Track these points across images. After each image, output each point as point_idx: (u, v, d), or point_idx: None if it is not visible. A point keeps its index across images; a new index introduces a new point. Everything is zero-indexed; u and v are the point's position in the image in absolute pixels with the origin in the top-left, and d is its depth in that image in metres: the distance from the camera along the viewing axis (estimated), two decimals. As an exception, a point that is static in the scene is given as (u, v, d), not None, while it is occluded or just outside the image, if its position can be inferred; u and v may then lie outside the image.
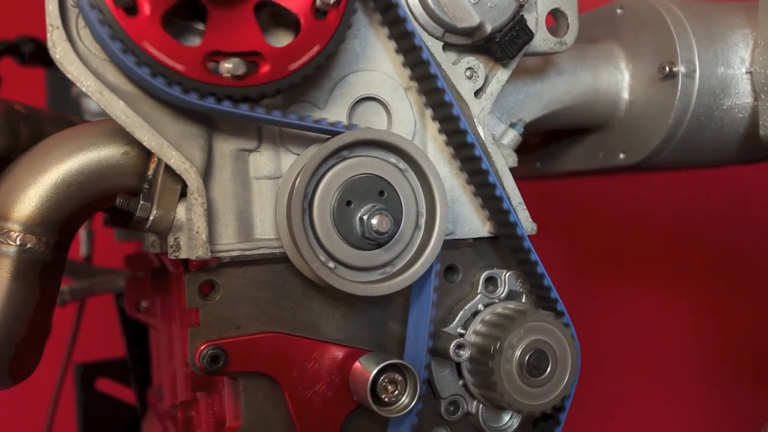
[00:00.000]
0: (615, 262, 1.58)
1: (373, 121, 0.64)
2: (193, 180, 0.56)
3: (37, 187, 0.58)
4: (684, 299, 1.57)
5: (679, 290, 1.57)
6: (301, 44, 0.56)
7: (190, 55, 0.53)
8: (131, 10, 0.52)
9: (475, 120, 0.66)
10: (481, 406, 0.68)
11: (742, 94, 0.78)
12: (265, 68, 0.55)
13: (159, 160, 0.58)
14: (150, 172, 0.59)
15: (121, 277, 1.09)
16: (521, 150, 0.77)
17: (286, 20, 0.58)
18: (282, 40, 0.58)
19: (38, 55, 0.96)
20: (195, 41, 0.57)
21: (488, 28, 0.63)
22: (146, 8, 0.52)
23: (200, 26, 0.57)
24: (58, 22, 0.53)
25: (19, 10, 1.01)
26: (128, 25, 0.52)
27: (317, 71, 0.57)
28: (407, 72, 0.63)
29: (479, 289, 0.67)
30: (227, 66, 0.54)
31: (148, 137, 0.55)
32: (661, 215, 1.56)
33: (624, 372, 1.56)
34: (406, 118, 0.64)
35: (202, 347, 0.59)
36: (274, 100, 0.59)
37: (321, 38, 0.56)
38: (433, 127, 0.65)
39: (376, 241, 0.58)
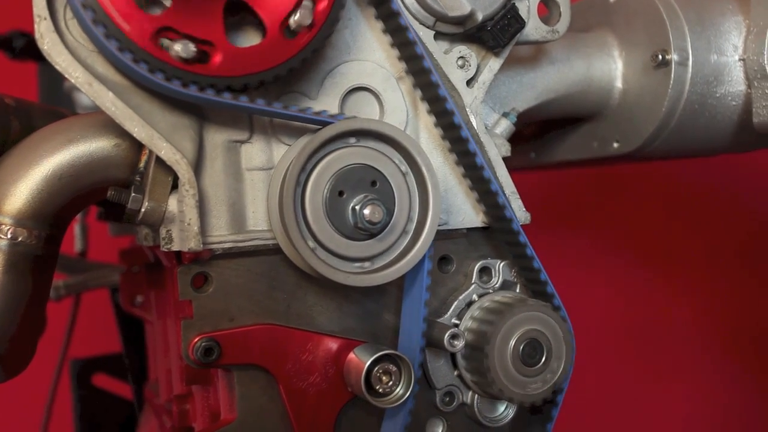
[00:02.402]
0: (613, 251, 1.58)
1: (365, 111, 0.64)
2: (184, 171, 0.56)
3: (28, 180, 0.57)
4: (683, 288, 1.57)
5: (679, 279, 1.57)
6: (260, 53, 0.55)
7: (144, 21, 0.52)
8: None
9: (467, 109, 0.66)
10: (476, 396, 0.67)
11: (735, 82, 0.78)
12: (216, 60, 0.54)
13: (150, 151, 0.58)
14: (141, 164, 0.59)
15: (116, 272, 1.08)
16: (515, 141, 0.77)
17: (259, 26, 0.58)
18: (251, 42, 0.58)
19: (30, 49, 0.96)
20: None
21: (479, 17, 0.63)
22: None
23: (169, 3, 0.56)
24: (45, 12, 0.53)
25: (10, 3, 1.00)
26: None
27: (309, 60, 0.57)
28: (400, 62, 0.63)
29: (473, 279, 0.67)
30: (176, 46, 0.53)
31: (138, 129, 0.55)
32: (659, 204, 1.57)
33: (621, 361, 1.56)
34: (398, 108, 0.64)
35: (196, 339, 0.59)
36: (264, 89, 0.59)
37: (282, 55, 0.55)
38: (426, 116, 0.65)
39: (369, 231, 0.58)
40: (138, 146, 0.59)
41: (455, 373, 0.67)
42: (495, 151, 0.66)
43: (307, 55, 0.56)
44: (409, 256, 0.59)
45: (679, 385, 1.57)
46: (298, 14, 0.55)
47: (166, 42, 0.53)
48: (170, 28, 0.53)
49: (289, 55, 0.56)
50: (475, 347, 0.64)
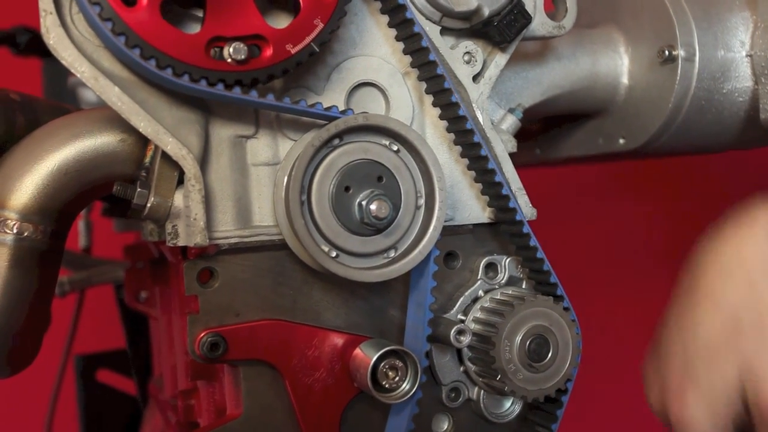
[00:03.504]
0: (619, 247, 1.58)
1: (371, 107, 0.63)
2: (190, 166, 0.56)
3: (34, 175, 0.57)
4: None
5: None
6: (303, 23, 0.55)
7: (192, 43, 0.53)
8: (129, 1, 0.52)
9: (473, 105, 0.65)
10: (482, 392, 0.67)
11: (743, 78, 0.77)
12: (268, 51, 0.55)
13: (156, 147, 0.58)
14: (147, 159, 0.59)
15: (121, 268, 1.08)
16: (521, 137, 0.76)
17: (282, 1, 0.58)
18: (281, 22, 0.58)
19: (34, 45, 0.95)
20: (195, 28, 0.56)
21: (486, 12, 0.63)
22: (144, -1, 0.52)
23: (199, 12, 0.57)
24: (51, 7, 0.53)
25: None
26: (128, 17, 0.51)
27: (317, 54, 0.57)
28: (406, 58, 0.63)
29: (479, 275, 0.67)
30: (229, 51, 0.53)
31: (144, 123, 0.55)
32: (665, 200, 1.56)
33: (627, 357, 1.56)
34: (404, 104, 0.64)
35: (202, 334, 0.59)
36: (271, 84, 0.59)
37: (322, 15, 0.56)
38: (432, 112, 0.65)
39: (375, 226, 0.58)
40: (143, 141, 0.59)
41: (461, 368, 0.67)
42: (501, 146, 0.66)
43: (342, 12, 0.57)
44: (416, 251, 0.59)
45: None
46: None
47: (214, 51, 0.54)
48: (216, 37, 0.54)
49: (329, 14, 0.56)
50: (482, 343, 0.64)
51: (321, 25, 0.56)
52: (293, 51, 0.55)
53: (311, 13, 0.55)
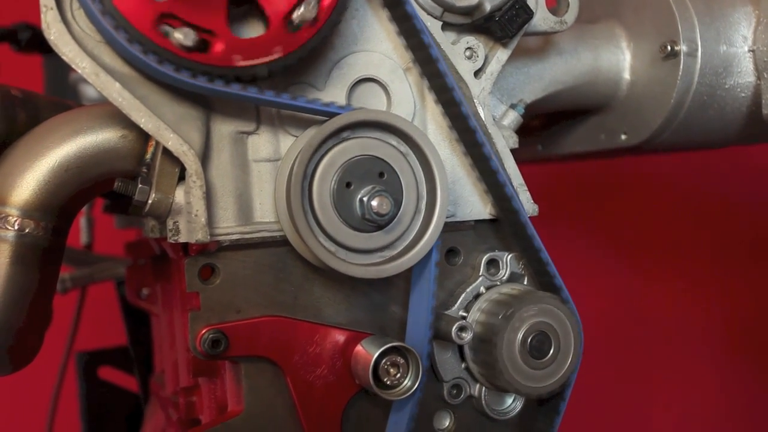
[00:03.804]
0: (619, 245, 1.58)
1: (372, 103, 0.63)
2: (191, 162, 0.55)
3: (35, 171, 0.57)
4: (688, 284, 1.56)
5: (684, 274, 1.56)
6: (262, 44, 0.55)
7: (147, 10, 0.52)
8: None
9: (475, 101, 0.65)
10: (483, 389, 0.67)
11: (745, 73, 0.77)
12: (216, 49, 0.54)
13: (157, 143, 0.58)
14: (148, 156, 0.59)
15: (122, 265, 1.08)
16: (523, 133, 0.76)
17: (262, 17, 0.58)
18: (250, 32, 0.57)
19: (35, 42, 0.95)
20: None
21: (487, 7, 0.62)
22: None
23: None
24: (51, 2, 0.53)
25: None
26: None
27: (316, 50, 0.56)
28: (407, 53, 0.63)
29: (481, 271, 0.67)
30: (177, 34, 0.52)
31: (145, 119, 0.55)
32: (666, 197, 1.56)
33: (625, 356, 1.56)
34: (405, 99, 0.64)
35: (203, 331, 0.59)
36: (271, 80, 0.58)
37: (284, 46, 0.55)
38: (433, 107, 0.65)
39: (377, 222, 0.58)
40: (145, 137, 0.59)
41: (463, 365, 0.67)
42: (503, 142, 0.66)
43: (304, 53, 0.56)
44: (417, 248, 0.59)
45: (683, 381, 1.57)
46: (302, 8, 0.54)
47: (166, 29, 0.53)
48: (173, 15, 0.53)
49: (290, 49, 0.55)
50: (483, 339, 0.63)
51: (278, 55, 0.54)
52: (238, 64, 0.54)
53: (274, 40, 0.55)
